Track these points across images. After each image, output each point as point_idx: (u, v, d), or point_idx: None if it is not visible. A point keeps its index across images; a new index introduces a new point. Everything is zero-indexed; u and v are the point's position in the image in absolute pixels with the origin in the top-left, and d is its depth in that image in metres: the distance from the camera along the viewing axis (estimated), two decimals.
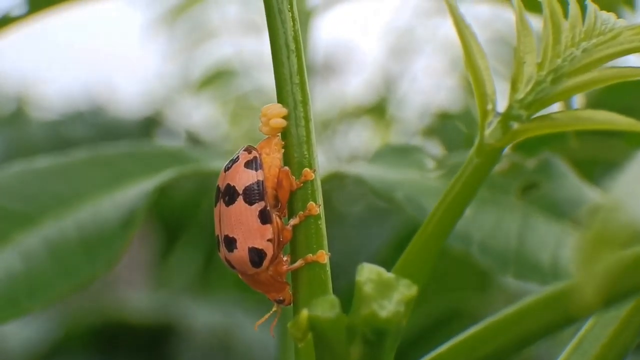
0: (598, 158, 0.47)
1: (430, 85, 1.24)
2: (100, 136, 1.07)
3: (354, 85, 1.32)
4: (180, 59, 1.20)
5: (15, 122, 1.16)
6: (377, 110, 1.26)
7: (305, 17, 0.52)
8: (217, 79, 1.19)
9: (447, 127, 1.10)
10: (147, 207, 0.35)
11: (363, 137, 1.33)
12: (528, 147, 0.38)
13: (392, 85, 1.22)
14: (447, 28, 1.18)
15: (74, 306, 0.96)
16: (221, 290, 1.02)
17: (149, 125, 1.18)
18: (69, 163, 0.37)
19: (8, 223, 0.34)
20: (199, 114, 1.35)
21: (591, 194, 0.33)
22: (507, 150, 0.23)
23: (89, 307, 0.97)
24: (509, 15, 1.01)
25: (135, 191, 0.36)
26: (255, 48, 1.17)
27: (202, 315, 0.90)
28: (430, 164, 0.35)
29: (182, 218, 1.09)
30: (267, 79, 1.16)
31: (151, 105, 1.31)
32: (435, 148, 0.93)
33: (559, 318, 0.16)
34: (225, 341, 0.90)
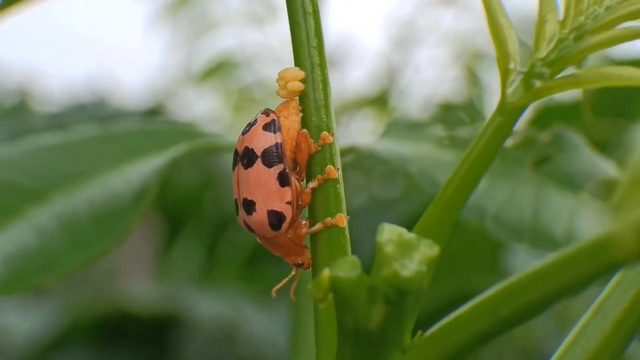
0: (612, 139, 0.47)
1: (432, 77, 1.23)
2: None
3: (356, 76, 1.31)
4: (182, 50, 1.20)
5: (17, 114, 1.15)
6: (380, 101, 1.25)
7: None
8: (219, 70, 1.19)
9: (450, 117, 1.09)
10: (158, 182, 0.35)
11: (365, 128, 1.32)
12: (542, 125, 0.38)
13: (394, 76, 1.22)
14: (450, 19, 1.17)
15: (78, 297, 0.96)
16: (225, 281, 1.02)
17: (152, 116, 1.18)
18: (78, 139, 0.37)
19: (19, 198, 0.33)
20: (202, 106, 1.35)
21: (605, 166, 0.33)
22: (520, 125, 0.22)
23: (92, 298, 0.97)
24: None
25: (147, 166, 0.35)
26: (258, 39, 1.17)
27: (206, 307, 0.90)
28: (443, 133, 0.35)
29: (185, 209, 1.09)
30: (270, 71, 1.15)
31: (154, 97, 1.31)
32: None
33: (594, 269, 0.16)
34: (229, 332, 0.90)
